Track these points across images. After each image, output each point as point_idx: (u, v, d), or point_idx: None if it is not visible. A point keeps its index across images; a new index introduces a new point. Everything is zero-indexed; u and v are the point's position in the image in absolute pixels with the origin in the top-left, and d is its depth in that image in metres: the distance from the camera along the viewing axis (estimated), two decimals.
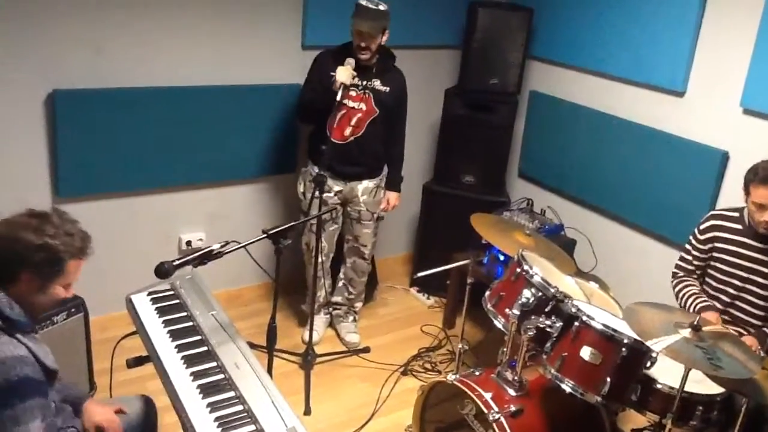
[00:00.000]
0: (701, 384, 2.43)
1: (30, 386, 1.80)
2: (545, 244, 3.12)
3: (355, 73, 3.37)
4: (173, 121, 3.61)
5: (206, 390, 2.14)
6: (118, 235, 3.66)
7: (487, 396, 2.57)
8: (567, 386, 2.44)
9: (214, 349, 2.32)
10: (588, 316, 2.47)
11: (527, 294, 2.60)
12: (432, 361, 3.83)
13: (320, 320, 3.95)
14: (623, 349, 2.40)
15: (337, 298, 3.99)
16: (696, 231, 3.00)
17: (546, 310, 2.60)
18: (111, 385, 2.67)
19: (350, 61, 3.36)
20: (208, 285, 2.67)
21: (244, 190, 4.05)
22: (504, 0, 4.42)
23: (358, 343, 3.91)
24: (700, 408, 2.41)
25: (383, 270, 4.56)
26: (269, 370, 2.53)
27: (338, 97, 3.29)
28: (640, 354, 2.42)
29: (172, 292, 2.62)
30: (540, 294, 2.61)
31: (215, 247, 2.29)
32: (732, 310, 2.91)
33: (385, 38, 3.44)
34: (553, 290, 2.60)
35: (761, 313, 2.85)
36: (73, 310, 3.02)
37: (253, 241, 2.44)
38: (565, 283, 2.88)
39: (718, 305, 2.93)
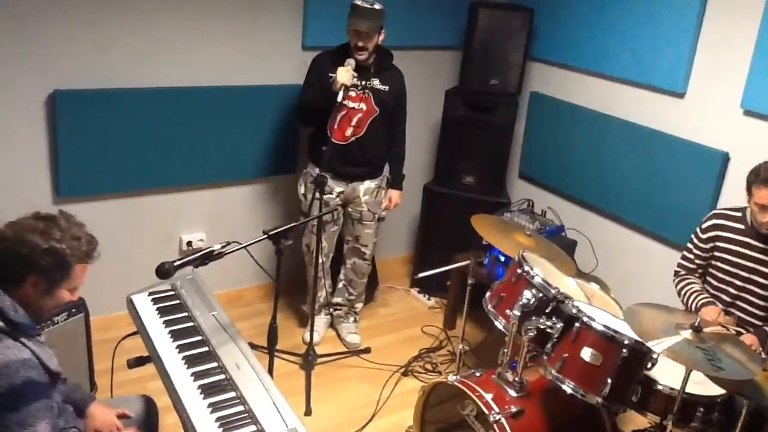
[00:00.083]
0: (702, 385, 2.44)
1: (34, 389, 1.80)
2: (546, 245, 3.12)
3: (355, 74, 3.37)
4: (174, 122, 3.62)
5: (207, 390, 2.14)
6: (118, 236, 3.66)
7: (488, 397, 2.57)
8: (568, 387, 2.44)
9: (214, 349, 2.32)
10: (589, 317, 2.47)
11: (528, 295, 2.60)
12: (433, 361, 3.83)
13: (321, 321, 3.95)
14: (624, 350, 2.40)
15: (337, 299, 3.99)
16: (698, 230, 3.01)
17: (547, 311, 2.60)
18: (112, 385, 2.67)
19: (350, 62, 3.36)
20: (209, 285, 2.67)
21: (245, 191, 4.05)
22: (505, 1, 4.43)
23: (359, 343, 3.91)
24: (701, 409, 2.41)
25: (384, 270, 4.56)
26: (270, 371, 2.53)
27: (339, 98, 3.29)
28: (640, 355, 2.42)
29: (172, 293, 2.62)
30: (541, 295, 2.61)
31: (216, 247, 2.29)
32: (733, 310, 2.91)
33: (381, 37, 3.45)
34: (553, 291, 2.60)
35: (762, 313, 2.85)
36: (73, 310, 3.01)
37: (254, 242, 2.43)
38: (565, 284, 2.88)
39: (719, 305, 2.93)
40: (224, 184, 3.95)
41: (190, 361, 2.28)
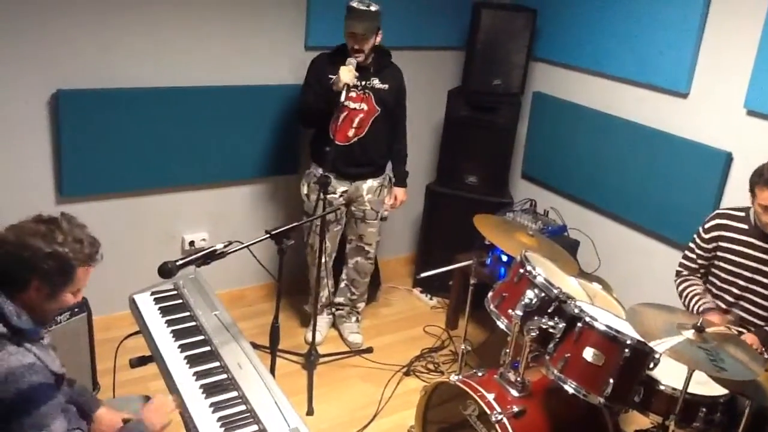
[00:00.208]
0: (704, 385, 2.43)
1: (43, 392, 1.80)
2: (548, 245, 3.11)
3: (356, 73, 3.37)
4: (177, 122, 3.62)
5: (209, 390, 2.15)
6: (121, 235, 3.66)
7: (490, 397, 2.57)
8: (570, 387, 2.44)
9: (217, 349, 2.32)
10: (591, 317, 2.47)
11: (530, 295, 2.60)
12: (435, 361, 3.83)
13: (323, 320, 3.95)
14: (626, 350, 2.39)
15: (339, 299, 3.99)
16: (701, 230, 3.00)
17: (549, 311, 2.59)
18: (114, 385, 2.67)
19: (351, 61, 3.36)
20: (211, 285, 2.67)
21: (247, 191, 4.05)
22: (508, 1, 4.43)
23: (361, 343, 3.91)
24: (703, 409, 2.40)
25: (386, 270, 4.56)
26: (272, 370, 2.53)
27: (342, 98, 3.29)
28: (643, 355, 2.42)
29: (175, 292, 2.62)
30: (543, 295, 2.61)
31: (218, 247, 2.29)
32: (735, 310, 2.90)
33: (378, 38, 3.45)
34: (556, 291, 2.60)
35: (765, 313, 2.84)
36: (76, 309, 3.02)
37: (256, 242, 2.44)
38: (568, 284, 2.88)
39: (722, 305, 2.92)
40: (227, 184, 3.96)
41: (192, 360, 2.28)
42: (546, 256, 2.95)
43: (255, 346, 2.44)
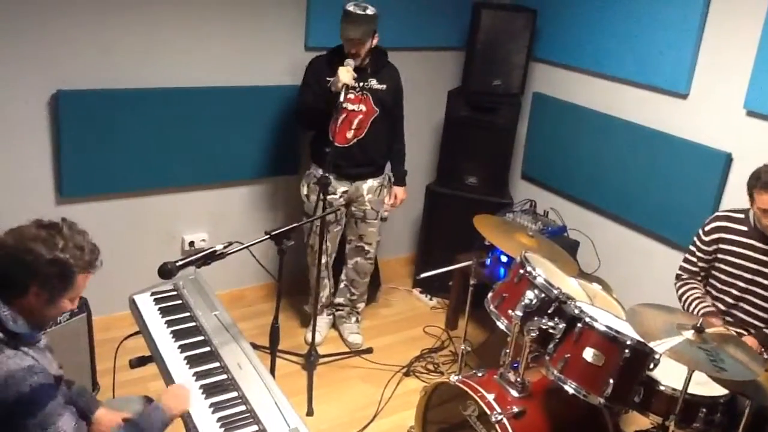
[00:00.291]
0: (704, 386, 2.43)
1: (45, 392, 1.80)
2: (548, 246, 3.11)
3: (355, 74, 3.37)
4: (177, 122, 3.62)
5: (209, 390, 2.15)
6: (121, 236, 3.66)
7: (490, 397, 2.57)
8: (570, 388, 2.44)
9: (216, 349, 2.32)
10: (591, 317, 2.47)
11: (530, 295, 2.60)
12: (435, 362, 3.83)
13: (323, 321, 3.95)
14: (626, 350, 2.40)
15: (339, 299, 3.99)
16: (700, 232, 2.99)
17: (549, 311, 2.60)
18: (114, 385, 2.67)
19: (350, 62, 3.35)
20: (211, 285, 2.67)
21: (247, 191, 4.05)
22: (508, 2, 4.43)
23: (361, 344, 3.91)
24: (703, 410, 2.41)
25: (386, 271, 4.56)
26: (272, 371, 2.53)
27: (341, 98, 3.28)
28: (643, 355, 2.42)
29: (175, 293, 2.62)
30: (543, 295, 2.61)
31: (218, 247, 2.29)
32: (735, 312, 2.90)
33: (375, 41, 3.44)
34: (555, 292, 2.60)
35: (765, 315, 2.84)
36: (76, 310, 3.02)
37: (257, 242, 2.44)
38: (568, 285, 2.88)
39: (722, 306, 2.92)
40: (227, 184, 3.96)
41: (192, 361, 2.28)
42: (546, 256, 2.95)
43: (255, 346, 2.44)
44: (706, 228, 2.97)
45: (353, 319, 4.01)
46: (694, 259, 3.02)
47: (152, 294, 2.60)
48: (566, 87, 4.22)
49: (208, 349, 2.34)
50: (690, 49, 3.48)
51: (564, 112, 4.21)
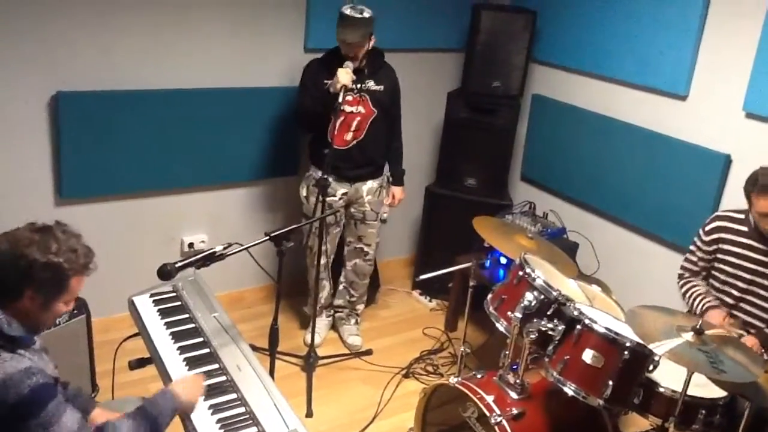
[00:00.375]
0: (704, 388, 2.43)
1: (45, 392, 1.79)
2: (547, 248, 3.12)
3: (354, 76, 3.37)
4: (177, 124, 3.62)
5: (208, 392, 2.14)
6: (120, 237, 3.66)
7: (489, 399, 2.57)
8: (569, 389, 2.44)
9: (216, 351, 2.32)
10: (590, 319, 2.47)
11: (529, 297, 2.60)
12: (434, 363, 3.82)
13: (322, 322, 3.95)
14: (625, 352, 2.39)
15: (338, 301, 3.99)
16: (701, 232, 3.00)
17: (548, 313, 2.60)
18: (113, 387, 2.67)
19: (349, 64, 3.35)
20: (211, 287, 2.67)
21: (247, 193, 4.05)
22: (507, 3, 4.43)
23: (361, 345, 3.91)
24: (703, 412, 2.40)
25: (385, 272, 4.56)
26: (271, 373, 2.53)
27: (340, 99, 3.28)
28: (642, 357, 2.42)
29: (174, 294, 2.62)
30: (542, 297, 2.61)
31: (218, 249, 2.29)
32: (736, 312, 2.90)
33: (371, 43, 3.44)
34: (555, 293, 2.60)
35: (765, 315, 2.84)
36: (75, 311, 3.02)
37: (256, 244, 2.44)
38: (567, 287, 2.88)
39: (724, 307, 2.92)
40: (226, 185, 3.96)
41: (192, 362, 2.28)
42: (545, 258, 2.95)
43: (254, 348, 2.44)
44: (707, 228, 2.98)
45: (353, 320, 4.01)
46: (695, 259, 3.03)
47: (151, 295, 2.60)
48: (566, 88, 4.22)
49: (207, 350, 2.34)
50: (689, 50, 3.48)
51: (563, 113, 4.21)
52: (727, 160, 3.39)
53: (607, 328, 2.43)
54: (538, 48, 4.29)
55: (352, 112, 3.50)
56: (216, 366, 2.26)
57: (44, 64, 3.23)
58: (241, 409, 2.08)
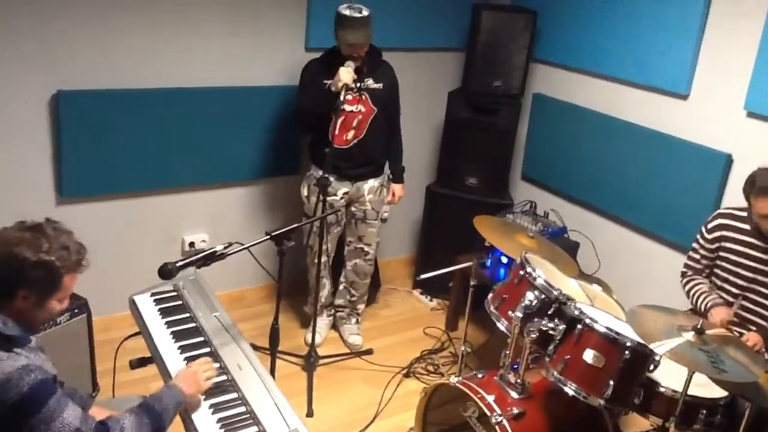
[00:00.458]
0: (705, 387, 2.43)
1: (45, 388, 1.79)
2: (548, 247, 3.11)
3: (355, 75, 3.36)
4: (178, 123, 3.62)
5: (209, 391, 2.14)
6: (121, 236, 3.66)
7: (490, 398, 2.57)
8: (570, 389, 2.44)
9: (216, 350, 2.32)
10: (591, 318, 2.47)
11: (530, 296, 2.60)
12: (435, 363, 3.82)
13: (323, 322, 3.95)
14: (626, 352, 2.39)
15: (339, 301, 3.99)
16: (703, 230, 3.00)
17: (549, 312, 2.59)
18: (114, 386, 2.67)
19: (350, 63, 3.35)
20: (211, 286, 2.67)
21: (248, 192, 4.05)
22: (508, 3, 4.43)
23: (361, 345, 3.91)
24: (704, 411, 2.40)
25: (386, 272, 4.56)
26: (272, 372, 2.52)
27: (341, 97, 3.28)
28: (643, 357, 2.42)
29: (175, 293, 2.62)
30: (543, 296, 2.61)
31: (218, 248, 2.29)
32: (740, 300, 2.90)
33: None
34: (556, 293, 2.60)
35: (766, 313, 2.84)
36: (76, 310, 3.02)
37: (257, 243, 2.44)
38: (568, 286, 2.88)
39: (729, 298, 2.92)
40: (227, 185, 3.96)
41: (192, 361, 2.27)
42: (546, 257, 2.95)
43: (255, 347, 2.44)
44: (709, 225, 2.98)
45: (353, 320, 4.01)
46: (698, 257, 3.03)
47: (152, 294, 2.60)
48: (566, 88, 4.22)
49: (208, 350, 2.34)
50: (690, 50, 3.48)
51: (564, 113, 4.21)
52: (728, 160, 3.39)
53: (607, 328, 2.43)
54: (538, 47, 4.29)
55: (352, 111, 3.49)
56: (217, 365, 2.26)
57: (44, 63, 3.23)
58: (242, 409, 2.08)
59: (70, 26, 3.25)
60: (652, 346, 2.24)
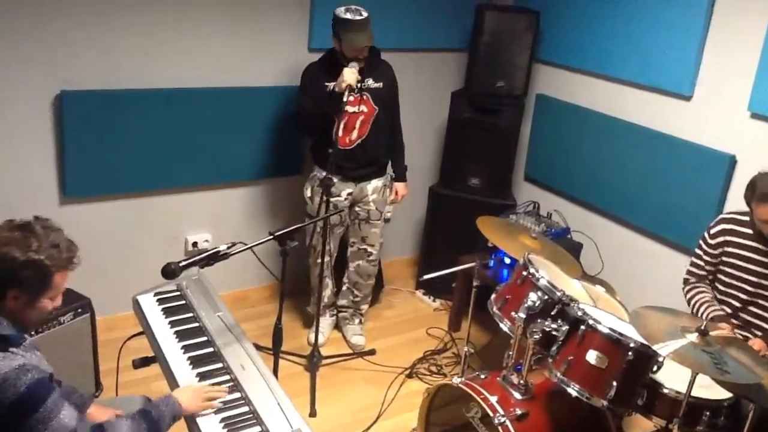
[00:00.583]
0: (708, 389, 2.42)
1: (42, 388, 1.80)
2: (551, 248, 3.11)
3: (359, 76, 3.36)
4: (181, 123, 3.63)
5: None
6: (124, 236, 3.67)
7: (493, 399, 2.57)
8: (573, 390, 2.44)
9: (220, 350, 2.32)
10: (594, 319, 2.46)
11: (533, 297, 2.60)
12: (437, 363, 3.82)
13: (326, 322, 3.95)
14: (629, 353, 2.39)
15: (342, 301, 3.99)
16: (706, 235, 2.98)
17: (552, 313, 2.59)
18: (117, 385, 2.68)
19: (354, 64, 3.35)
20: (215, 286, 2.67)
21: (251, 192, 4.05)
22: (511, 3, 4.43)
23: (364, 345, 3.91)
24: (707, 413, 2.40)
25: (389, 272, 4.56)
26: (275, 372, 2.53)
27: (345, 98, 3.28)
28: (646, 358, 2.41)
29: (178, 293, 2.63)
30: (546, 297, 2.60)
31: (222, 248, 2.29)
32: (743, 314, 2.88)
33: None
34: (559, 294, 2.59)
35: None
36: (79, 310, 3.03)
37: (260, 243, 2.44)
38: (571, 287, 2.88)
39: (728, 310, 2.91)
40: (230, 185, 3.96)
41: (196, 361, 2.28)
42: (549, 258, 2.95)
43: (258, 347, 2.44)
44: (712, 231, 2.96)
45: (357, 320, 4.01)
46: (701, 263, 3.00)
47: (155, 294, 2.60)
48: (569, 88, 4.21)
49: (211, 349, 2.34)
50: (694, 50, 3.47)
51: (567, 113, 4.20)
52: (732, 161, 3.39)
53: (611, 329, 2.43)
54: (541, 48, 4.29)
55: (354, 112, 3.50)
56: (220, 365, 2.27)
57: (46, 64, 3.24)
58: (245, 408, 2.09)
59: (71, 26, 3.25)
60: (655, 347, 2.23)
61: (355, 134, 3.54)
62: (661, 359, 2.41)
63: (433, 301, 4.50)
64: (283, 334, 2.67)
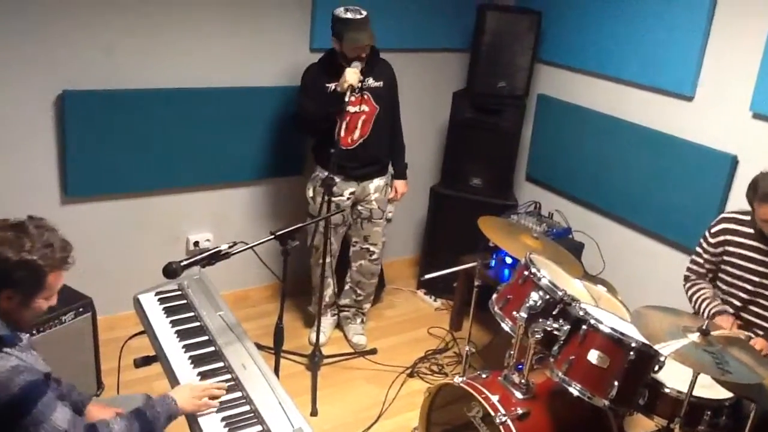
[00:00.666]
0: (710, 389, 2.42)
1: (35, 389, 1.79)
2: (553, 248, 3.11)
3: (361, 77, 3.36)
4: (182, 123, 3.63)
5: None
6: (126, 235, 3.67)
7: (494, 398, 2.57)
8: (574, 390, 2.44)
9: (221, 349, 2.32)
10: (596, 319, 2.46)
11: (535, 297, 2.60)
12: (439, 363, 3.82)
13: (327, 321, 3.95)
14: (631, 352, 2.39)
15: (344, 301, 3.99)
16: (707, 234, 2.98)
17: (553, 313, 2.59)
18: (118, 384, 2.68)
19: (357, 64, 3.35)
20: (216, 285, 2.67)
21: (252, 192, 4.06)
22: (512, 3, 4.43)
23: (365, 344, 3.91)
24: (708, 413, 2.40)
25: (390, 272, 4.56)
26: (276, 371, 2.53)
27: (347, 98, 3.28)
28: (648, 358, 2.41)
29: (179, 292, 2.63)
30: (548, 297, 2.60)
31: (223, 247, 2.29)
32: (745, 314, 2.88)
33: None
34: (560, 293, 2.59)
35: None
36: (81, 309, 3.03)
37: (261, 242, 2.44)
38: (572, 287, 2.88)
39: (730, 309, 2.91)
40: (231, 185, 3.96)
41: (197, 360, 2.29)
42: (551, 258, 2.95)
43: (259, 346, 2.44)
44: (713, 230, 2.96)
45: (358, 320, 4.01)
46: (701, 261, 3.01)
47: (157, 294, 2.61)
48: (571, 89, 4.21)
49: (212, 349, 2.34)
50: (696, 51, 3.47)
51: (569, 113, 4.20)
52: (733, 161, 3.38)
53: (612, 329, 2.43)
54: (543, 48, 4.29)
55: (356, 111, 3.50)
56: (221, 364, 2.27)
57: (47, 64, 3.24)
58: (246, 408, 2.09)
59: (72, 27, 3.25)
60: (656, 346, 2.23)
61: (357, 134, 3.54)
62: (662, 359, 2.41)
63: (435, 300, 4.50)
64: (284, 334, 2.67)
